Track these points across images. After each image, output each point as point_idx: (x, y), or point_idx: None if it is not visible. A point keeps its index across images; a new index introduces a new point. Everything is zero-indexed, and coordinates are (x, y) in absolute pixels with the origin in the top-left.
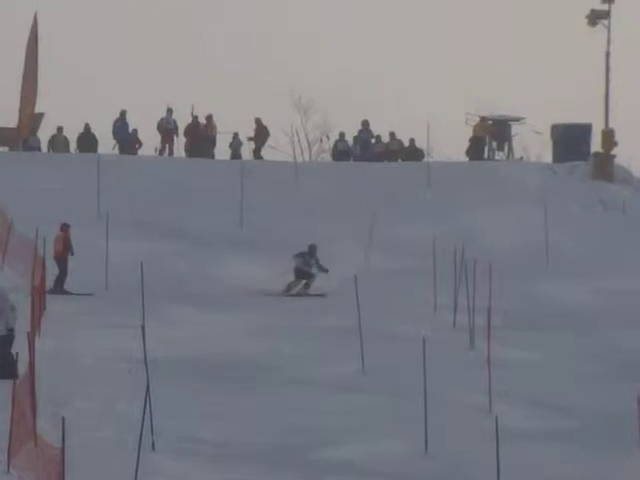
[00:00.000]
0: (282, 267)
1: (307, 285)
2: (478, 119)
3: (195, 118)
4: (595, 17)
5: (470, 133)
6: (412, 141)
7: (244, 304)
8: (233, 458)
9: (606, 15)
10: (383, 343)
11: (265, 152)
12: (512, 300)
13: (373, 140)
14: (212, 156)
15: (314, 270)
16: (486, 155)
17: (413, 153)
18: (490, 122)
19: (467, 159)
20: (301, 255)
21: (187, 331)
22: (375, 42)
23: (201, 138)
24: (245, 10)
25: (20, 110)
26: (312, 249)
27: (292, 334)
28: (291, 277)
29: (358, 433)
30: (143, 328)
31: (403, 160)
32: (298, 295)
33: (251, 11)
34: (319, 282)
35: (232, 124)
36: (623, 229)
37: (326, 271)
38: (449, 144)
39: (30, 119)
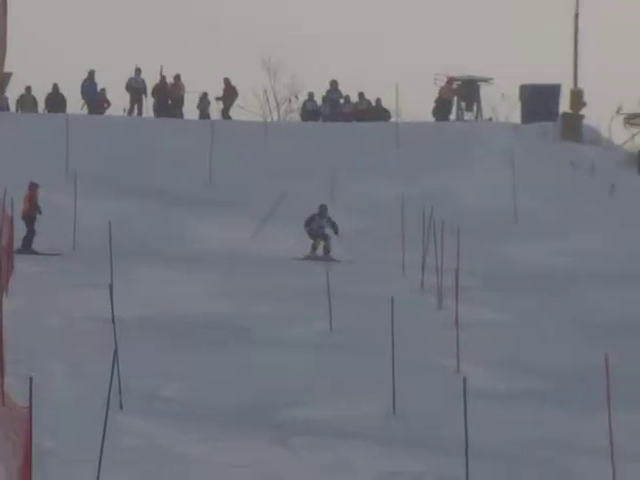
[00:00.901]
0: (254, 227)
1: (327, 249)
2: (446, 79)
3: (163, 78)
4: None
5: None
6: (378, 101)
7: (213, 264)
8: (201, 418)
9: None
10: (351, 303)
11: (234, 112)
12: (481, 261)
13: (342, 100)
14: (181, 116)
15: (327, 231)
16: (455, 116)
17: (379, 113)
18: (459, 83)
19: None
20: (311, 219)
21: (155, 291)
22: (345, 2)
23: (171, 98)
24: None
25: None
26: (322, 209)
27: (260, 294)
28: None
29: (326, 393)
30: (111, 287)
31: (371, 120)
32: (323, 260)
33: None
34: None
35: (200, 84)
36: (592, 189)
37: (336, 232)
38: (418, 104)
39: None
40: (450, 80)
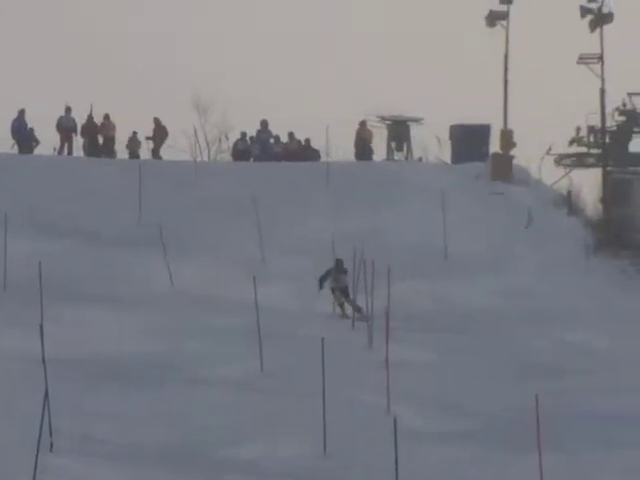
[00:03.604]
0: (181, 266)
1: (357, 307)
2: (363, 120)
3: (89, 117)
4: (493, 18)
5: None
6: (307, 141)
7: (143, 303)
8: (132, 458)
9: (505, 16)
10: (282, 343)
11: (164, 152)
12: (411, 300)
13: (272, 140)
14: (113, 155)
15: (346, 283)
16: (385, 156)
17: (309, 153)
18: (389, 123)
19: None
20: (327, 274)
21: (86, 330)
22: (276, 41)
23: (104, 137)
24: (148, 9)
25: None
26: (339, 264)
27: (191, 334)
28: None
29: (257, 433)
30: (41, 327)
31: (301, 160)
32: (358, 320)
33: (154, 10)
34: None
35: (131, 124)
36: (521, 229)
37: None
38: (348, 144)
39: None
40: (363, 122)
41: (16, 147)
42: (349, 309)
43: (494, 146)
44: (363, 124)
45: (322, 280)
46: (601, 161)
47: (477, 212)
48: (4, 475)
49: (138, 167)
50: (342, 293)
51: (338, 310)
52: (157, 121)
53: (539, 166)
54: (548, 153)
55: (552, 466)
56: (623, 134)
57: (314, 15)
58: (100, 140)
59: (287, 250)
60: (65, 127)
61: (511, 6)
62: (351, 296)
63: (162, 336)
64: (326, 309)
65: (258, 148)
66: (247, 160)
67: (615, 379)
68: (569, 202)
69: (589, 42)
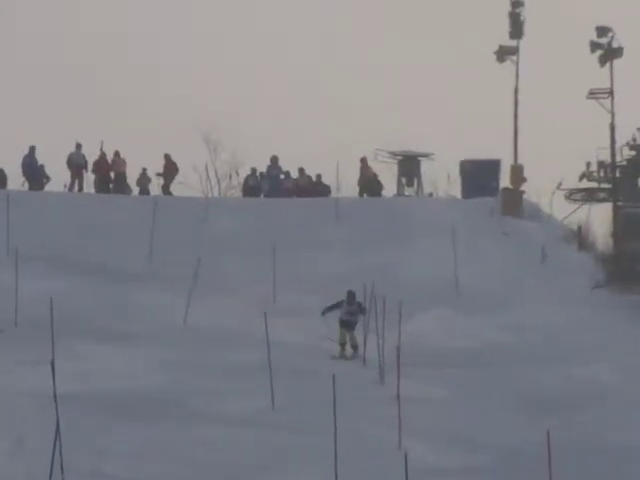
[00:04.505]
0: (192, 302)
1: (355, 345)
2: (364, 157)
3: (102, 154)
4: (503, 53)
5: (382, 169)
6: (319, 177)
7: (154, 339)
8: None
9: (514, 51)
10: (293, 379)
11: (174, 188)
12: (422, 336)
13: (282, 176)
14: (128, 192)
15: (358, 318)
16: (396, 191)
17: (320, 189)
18: (400, 158)
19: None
20: (337, 305)
21: (97, 366)
22: (287, 77)
23: (116, 174)
24: (160, 47)
25: None
26: (350, 296)
27: (202, 369)
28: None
29: (268, 469)
30: (53, 364)
31: (312, 196)
32: (352, 359)
33: (166, 47)
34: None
35: (141, 160)
36: (532, 264)
37: (364, 313)
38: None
39: None
40: (364, 158)
41: (27, 184)
42: (349, 350)
43: (504, 181)
44: (364, 161)
45: (330, 308)
46: (611, 196)
47: (487, 247)
48: None
49: (148, 203)
50: (347, 328)
51: (338, 349)
52: (167, 157)
53: (549, 201)
54: (558, 188)
55: None
56: (633, 169)
57: (325, 51)
58: (112, 176)
59: (297, 286)
60: (75, 164)
61: (521, 41)
62: (359, 334)
63: (173, 372)
64: (337, 345)
65: (268, 184)
66: (257, 196)
67: (625, 414)
68: (579, 237)
69: (599, 77)
